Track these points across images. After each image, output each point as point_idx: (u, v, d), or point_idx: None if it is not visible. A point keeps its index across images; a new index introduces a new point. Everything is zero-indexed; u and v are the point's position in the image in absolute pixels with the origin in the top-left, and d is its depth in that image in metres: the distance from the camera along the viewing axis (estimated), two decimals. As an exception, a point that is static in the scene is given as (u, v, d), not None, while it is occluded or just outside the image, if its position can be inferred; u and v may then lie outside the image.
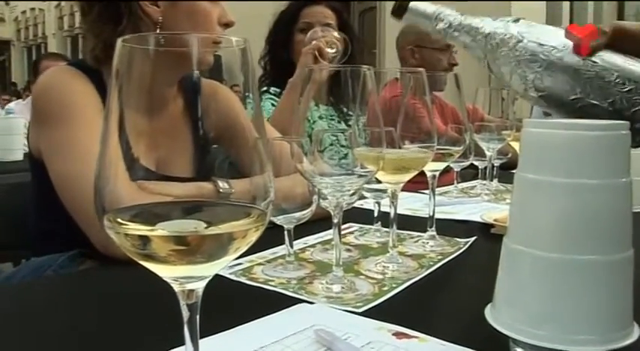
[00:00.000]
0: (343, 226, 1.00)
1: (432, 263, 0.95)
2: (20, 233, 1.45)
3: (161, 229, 0.41)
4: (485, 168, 1.77)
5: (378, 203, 1.15)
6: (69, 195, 1.07)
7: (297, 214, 0.90)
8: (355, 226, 1.22)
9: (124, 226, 0.41)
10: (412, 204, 1.45)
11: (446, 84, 1.11)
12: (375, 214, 1.16)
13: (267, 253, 0.98)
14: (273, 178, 0.44)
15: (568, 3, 8.55)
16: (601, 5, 8.85)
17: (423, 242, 1.07)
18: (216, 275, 0.44)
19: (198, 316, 0.45)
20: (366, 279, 0.87)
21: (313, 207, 0.91)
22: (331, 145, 0.86)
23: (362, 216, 1.23)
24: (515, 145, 1.74)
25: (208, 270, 0.42)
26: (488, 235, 1.14)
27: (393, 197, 0.94)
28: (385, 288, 0.82)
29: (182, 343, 0.46)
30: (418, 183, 1.11)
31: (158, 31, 1.17)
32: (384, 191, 1.06)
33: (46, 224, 1.24)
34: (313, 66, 1.70)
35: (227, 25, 1.23)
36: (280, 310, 0.72)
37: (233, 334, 0.65)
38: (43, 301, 0.83)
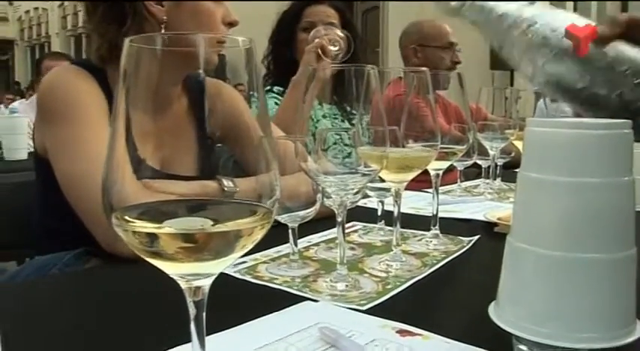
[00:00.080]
0: (347, 225, 1.01)
1: (435, 261, 0.96)
2: (24, 232, 1.45)
3: (169, 227, 0.41)
4: (489, 167, 1.77)
5: (382, 202, 1.15)
6: (74, 194, 1.07)
7: (302, 213, 0.90)
8: (359, 225, 1.22)
9: (132, 224, 0.41)
10: (416, 203, 1.45)
11: (449, 83, 1.11)
12: (379, 213, 1.16)
13: (272, 252, 0.98)
14: (279, 176, 0.44)
15: (572, 3, 8.54)
16: (604, 5, 8.83)
17: (427, 241, 1.07)
18: (221, 273, 0.45)
19: (204, 313, 0.45)
20: (370, 277, 0.87)
21: (317, 205, 0.92)
22: (335, 143, 0.86)
23: (366, 215, 1.23)
24: (519, 144, 1.73)
25: (215, 267, 0.43)
26: (491, 234, 1.15)
27: (397, 196, 0.94)
28: (389, 286, 0.83)
29: (187, 340, 0.46)
30: (422, 182, 1.11)
31: (162, 30, 1.18)
32: (388, 190, 1.06)
33: (51, 223, 1.24)
34: (316, 65, 1.71)
35: (231, 24, 1.23)
36: (285, 308, 0.73)
37: (238, 331, 0.66)
38: (49, 300, 0.83)
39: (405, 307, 0.77)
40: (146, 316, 0.74)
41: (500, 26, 0.81)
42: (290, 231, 0.92)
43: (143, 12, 1.18)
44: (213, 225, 0.41)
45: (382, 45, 8.80)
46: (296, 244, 0.93)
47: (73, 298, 0.85)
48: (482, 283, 0.67)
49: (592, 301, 0.54)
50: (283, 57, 2.16)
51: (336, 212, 0.82)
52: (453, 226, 1.18)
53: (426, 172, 1.01)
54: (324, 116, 1.99)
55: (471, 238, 1.10)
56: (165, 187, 0.45)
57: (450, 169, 1.46)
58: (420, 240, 1.09)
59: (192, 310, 0.45)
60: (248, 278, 0.86)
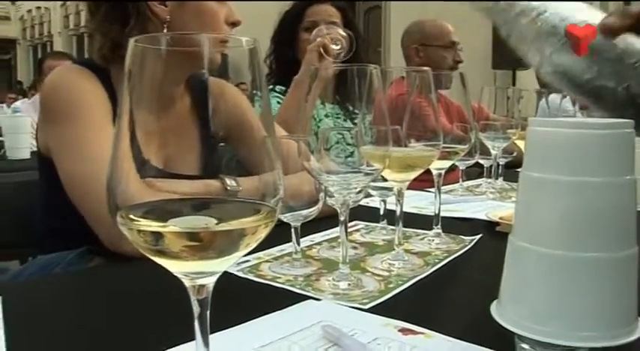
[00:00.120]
0: (349, 224, 1.01)
1: (437, 261, 0.96)
2: (27, 231, 1.46)
3: (174, 226, 0.41)
4: (491, 166, 1.77)
5: (384, 201, 1.16)
6: (78, 193, 1.08)
7: (304, 212, 0.91)
8: (361, 224, 1.23)
9: (137, 223, 0.41)
10: (418, 202, 1.45)
11: (451, 82, 1.11)
12: (381, 212, 1.17)
13: (275, 251, 0.99)
14: (282, 175, 0.44)
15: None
16: (607, 5, 8.83)
17: (429, 240, 1.08)
18: (224, 272, 0.45)
19: (208, 312, 0.45)
20: (372, 276, 0.87)
21: (320, 205, 0.92)
22: (337, 143, 0.86)
23: (368, 214, 1.24)
24: (521, 144, 1.73)
25: (219, 265, 0.43)
26: (493, 233, 1.15)
27: (399, 195, 0.95)
28: (391, 285, 0.83)
29: (190, 338, 0.46)
30: (424, 181, 1.11)
31: (165, 30, 1.18)
32: (390, 189, 1.07)
33: (54, 222, 1.25)
34: (319, 64, 1.71)
35: (234, 24, 1.23)
36: (287, 307, 0.73)
37: (241, 329, 0.66)
38: (52, 299, 0.83)
39: (408, 305, 0.77)
40: (149, 314, 0.74)
41: (509, 14, 0.80)
42: (293, 230, 0.92)
43: (146, 12, 1.18)
44: (217, 224, 0.42)
45: (384, 44, 8.80)
46: (299, 243, 0.93)
47: (77, 297, 0.85)
48: (484, 282, 0.67)
49: (593, 300, 0.54)
50: (285, 56, 2.17)
51: (339, 211, 0.82)
52: (455, 226, 1.18)
53: (428, 172, 1.01)
54: (326, 115, 1.99)
55: (472, 238, 1.11)
56: (168, 187, 0.45)
57: (452, 169, 1.47)
58: (422, 239, 1.09)
59: (196, 309, 0.45)
60: (251, 277, 0.87)
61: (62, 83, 1.19)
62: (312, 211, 0.92)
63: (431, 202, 1.17)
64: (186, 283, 0.44)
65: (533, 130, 0.58)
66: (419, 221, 1.18)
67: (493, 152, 1.68)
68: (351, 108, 1.85)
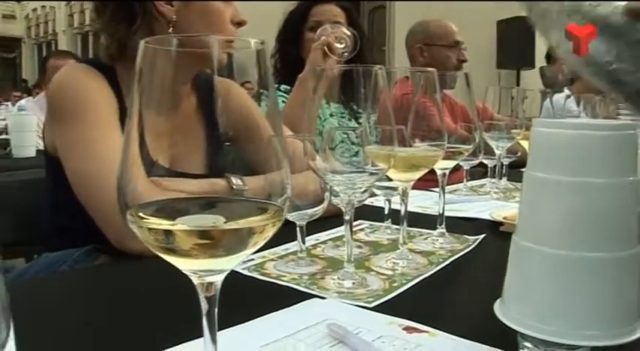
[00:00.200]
0: (354, 223, 1.02)
1: (441, 260, 0.96)
2: (33, 229, 1.46)
3: (185, 224, 0.42)
4: (495, 166, 1.77)
5: (389, 201, 1.16)
6: (85, 192, 1.08)
7: (310, 211, 0.91)
8: (366, 223, 1.23)
9: (147, 221, 0.42)
10: (422, 202, 1.46)
11: (456, 82, 1.12)
12: (386, 212, 1.17)
13: (280, 249, 0.99)
14: (289, 174, 0.45)
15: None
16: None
17: (433, 239, 1.08)
18: (230, 270, 0.46)
19: (216, 309, 0.46)
20: (377, 275, 0.88)
21: (325, 204, 0.92)
22: (342, 142, 0.87)
23: (372, 213, 1.24)
24: (525, 144, 1.74)
25: (228, 263, 0.44)
26: (497, 233, 1.15)
27: (404, 195, 0.95)
28: (395, 284, 0.84)
29: (196, 336, 0.47)
30: (428, 181, 1.12)
31: (171, 30, 1.19)
32: (395, 189, 1.07)
33: (61, 220, 1.25)
34: (323, 63, 1.72)
35: (240, 24, 1.24)
36: (293, 305, 0.74)
37: (247, 327, 0.67)
38: (59, 296, 0.84)
39: (412, 304, 0.77)
40: (155, 311, 0.75)
41: None
42: (298, 229, 0.93)
43: (152, 11, 1.19)
44: (225, 222, 0.42)
45: (388, 44, 8.79)
46: (304, 242, 0.94)
47: (83, 295, 0.86)
48: (488, 281, 0.68)
49: (596, 299, 0.55)
50: (290, 56, 2.17)
51: (344, 211, 0.83)
52: (458, 225, 1.19)
53: (432, 171, 1.02)
54: (331, 115, 2.00)
55: (476, 237, 1.11)
56: (175, 185, 0.46)
57: (456, 169, 1.47)
58: (426, 238, 1.10)
59: (204, 306, 0.46)
60: (256, 275, 0.87)
61: (69, 82, 1.20)
62: (318, 211, 0.92)
63: (435, 201, 1.17)
64: (195, 280, 0.45)
65: (537, 131, 0.58)
66: (423, 221, 1.18)
67: (497, 152, 1.68)
68: (355, 107, 1.85)
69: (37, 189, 1.43)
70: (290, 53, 2.18)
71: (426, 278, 0.87)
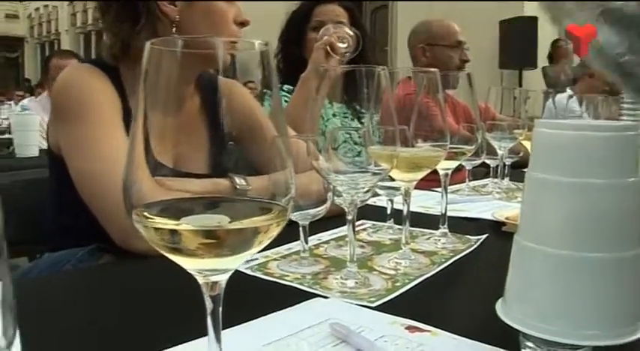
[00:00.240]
0: (356, 223, 1.02)
1: (443, 260, 0.97)
2: (35, 229, 1.47)
3: (190, 224, 0.42)
4: (497, 166, 1.77)
5: (391, 201, 1.16)
6: (89, 192, 1.09)
7: (313, 211, 0.91)
8: (368, 223, 1.23)
9: (152, 221, 0.42)
10: (424, 202, 1.46)
11: (458, 82, 1.12)
12: (388, 212, 1.17)
13: (283, 249, 1.00)
14: (294, 174, 0.45)
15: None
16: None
17: (435, 239, 1.08)
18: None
19: (220, 308, 0.46)
20: (380, 275, 0.88)
21: (328, 204, 0.92)
22: (344, 142, 0.87)
23: (375, 213, 1.24)
24: (527, 144, 1.74)
25: (233, 263, 0.44)
26: (499, 233, 1.15)
27: (406, 195, 0.95)
28: (398, 284, 0.84)
29: (199, 335, 0.47)
30: (430, 181, 1.12)
31: (175, 30, 1.19)
32: (397, 189, 1.07)
33: (64, 219, 1.26)
34: (325, 62, 1.72)
35: (243, 24, 1.24)
36: (296, 304, 0.74)
37: (250, 326, 0.67)
38: (63, 296, 0.84)
39: (414, 304, 0.77)
40: (159, 311, 0.75)
41: None
42: (301, 229, 0.93)
43: (156, 11, 1.19)
44: (230, 222, 0.43)
45: (391, 44, 8.79)
46: (307, 242, 0.94)
47: (87, 294, 0.86)
48: (490, 281, 0.68)
49: (598, 299, 0.55)
50: (293, 56, 2.17)
51: (347, 210, 0.83)
52: (461, 225, 1.19)
53: (434, 172, 1.02)
54: (334, 115, 2.00)
55: (478, 237, 1.11)
56: (178, 185, 0.46)
57: (459, 169, 1.47)
58: (428, 238, 1.10)
59: (209, 305, 0.46)
60: (259, 275, 0.88)
61: (73, 82, 1.20)
62: (321, 210, 0.92)
63: (437, 201, 1.17)
64: (200, 280, 0.45)
65: (539, 131, 0.59)
66: (425, 221, 1.18)
67: (499, 152, 1.68)
68: (358, 107, 1.85)
69: (40, 188, 1.43)
70: (293, 53, 2.18)
71: (428, 278, 0.87)
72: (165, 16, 1.19)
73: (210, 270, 0.44)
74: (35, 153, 3.05)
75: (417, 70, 1.00)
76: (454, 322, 0.69)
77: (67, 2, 18.96)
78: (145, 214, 0.43)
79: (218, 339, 0.47)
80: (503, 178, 1.78)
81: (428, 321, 0.68)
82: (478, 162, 1.67)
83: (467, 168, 1.73)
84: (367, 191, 0.89)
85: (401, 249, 0.97)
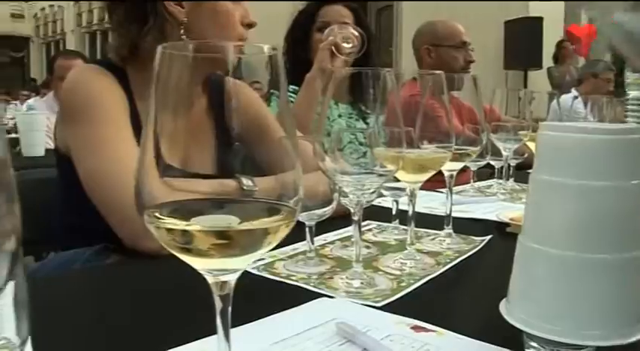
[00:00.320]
0: (362, 224, 1.02)
1: (448, 260, 0.97)
2: (41, 228, 1.47)
3: (201, 224, 0.43)
4: (502, 167, 1.77)
5: (396, 201, 1.17)
6: (97, 192, 1.09)
7: (319, 212, 0.92)
8: (373, 224, 1.24)
9: (163, 222, 0.43)
10: (429, 202, 1.46)
11: (463, 84, 1.12)
12: (393, 212, 1.18)
13: (289, 249, 1.00)
14: (302, 175, 0.46)
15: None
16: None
17: (440, 240, 1.09)
18: (243, 269, 0.47)
19: (230, 307, 0.47)
20: (385, 275, 0.89)
21: (334, 204, 0.93)
22: (350, 143, 0.87)
23: (380, 214, 1.25)
24: (532, 146, 1.74)
25: (242, 263, 0.45)
26: (503, 234, 1.16)
27: (412, 196, 0.96)
28: (403, 284, 0.84)
29: (207, 334, 0.47)
30: (435, 182, 1.12)
31: (182, 31, 1.20)
32: (403, 190, 1.08)
33: (72, 219, 1.26)
34: (330, 63, 1.73)
35: (249, 25, 1.25)
36: (302, 304, 0.74)
37: (257, 325, 0.68)
38: (71, 295, 0.85)
39: (419, 304, 0.78)
40: (167, 310, 0.76)
41: None
42: (307, 229, 0.94)
43: (163, 12, 1.20)
44: (240, 223, 0.43)
45: (395, 44, 8.79)
46: (313, 242, 0.95)
47: (96, 293, 0.87)
48: (495, 281, 0.69)
49: (601, 299, 0.55)
50: (298, 56, 2.18)
51: (353, 211, 0.84)
52: (465, 226, 1.19)
53: (439, 172, 1.02)
54: (339, 115, 2.00)
55: (483, 238, 1.12)
56: (186, 186, 0.47)
57: (463, 170, 1.48)
58: (433, 239, 1.10)
59: (218, 304, 0.47)
60: (266, 275, 0.88)
61: (81, 83, 1.21)
62: (327, 211, 0.93)
63: (442, 202, 1.18)
64: (210, 279, 0.46)
65: (543, 134, 0.59)
66: (430, 221, 1.19)
67: (504, 153, 1.69)
68: (363, 108, 1.86)
69: (46, 188, 1.44)
70: (298, 54, 2.19)
71: (433, 278, 0.88)
72: (172, 17, 1.20)
73: (219, 270, 0.45)
74: (41, 153, 3.05)
75: (422, 72, 1.00)
76: (459, 322, 0.70)
77: (72, 2, 19.00)
78: (157, 214, 0.43)
79: (227, 338, 0.48)
80: (507, 179, 1.78)
81: (433, 321, 0.69)
82: (483, 163, 1.67)
83: (472, 169, 1.73)
84: (373, 192, 0.90)
85: (406, 249, 0.97)
